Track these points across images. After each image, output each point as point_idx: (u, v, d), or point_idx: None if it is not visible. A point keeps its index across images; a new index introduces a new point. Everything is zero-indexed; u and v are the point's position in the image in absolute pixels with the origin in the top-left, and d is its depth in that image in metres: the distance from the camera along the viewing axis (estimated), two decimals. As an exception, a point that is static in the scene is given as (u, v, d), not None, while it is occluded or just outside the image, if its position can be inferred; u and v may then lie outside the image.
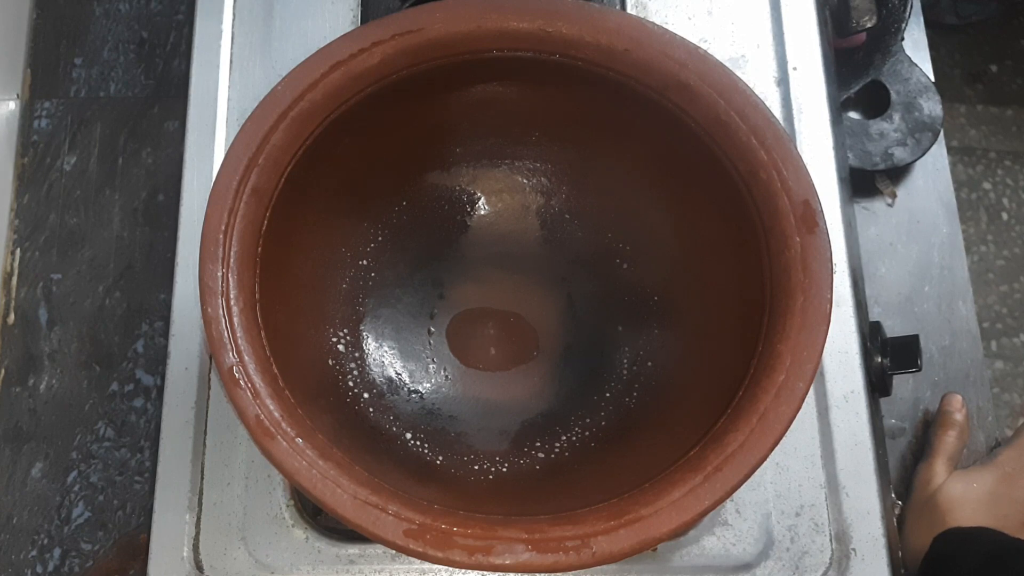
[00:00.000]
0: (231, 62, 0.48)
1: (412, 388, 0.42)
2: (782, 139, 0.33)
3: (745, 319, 0.34)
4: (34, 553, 0.50)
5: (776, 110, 0.47)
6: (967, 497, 0.46)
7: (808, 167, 0.33)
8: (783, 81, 0.47)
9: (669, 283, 0.41)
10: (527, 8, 0.35)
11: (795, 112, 0.46)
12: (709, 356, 0.38)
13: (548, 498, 0.36)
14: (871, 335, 0.45)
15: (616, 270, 0.42)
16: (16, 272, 0.54)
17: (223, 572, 0.41)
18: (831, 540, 0.41)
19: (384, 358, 0.42)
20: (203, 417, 0.43)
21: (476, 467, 0.38)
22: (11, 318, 0.54)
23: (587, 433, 0.40)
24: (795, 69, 0.47)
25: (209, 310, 0.32)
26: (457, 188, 0.43)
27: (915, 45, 0.58)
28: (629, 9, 0.49)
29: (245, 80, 0.48)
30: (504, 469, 0.39)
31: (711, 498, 0.30)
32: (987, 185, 1.15)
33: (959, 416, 0.50)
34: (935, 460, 0.49)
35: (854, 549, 0.41)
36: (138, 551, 0.49)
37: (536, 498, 0.37)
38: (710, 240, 0.38)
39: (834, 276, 0.32)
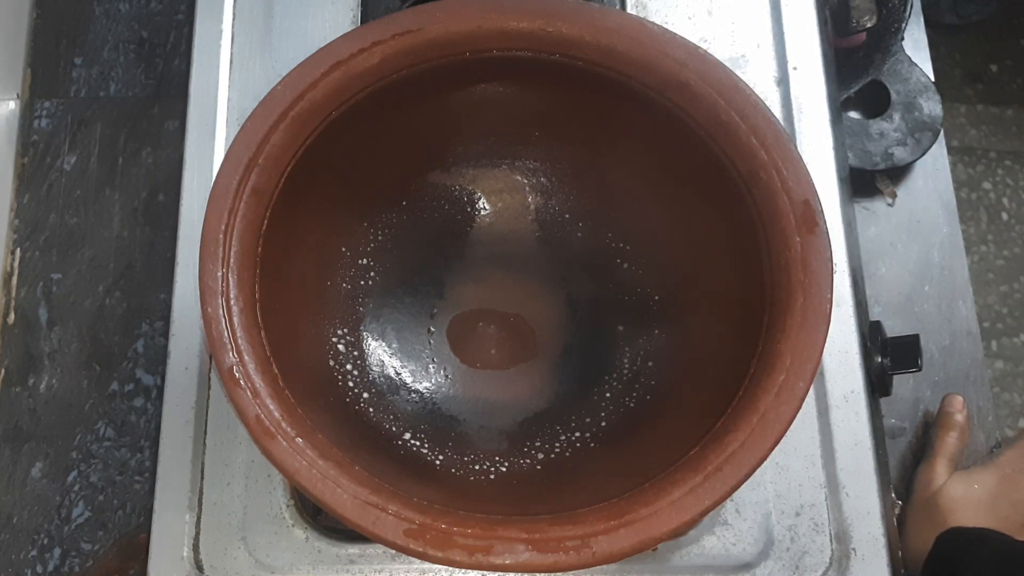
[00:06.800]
0: (231, 62, 0.48)
1: (412, 388, 0.42)
2: (782, 139, 0.33)
3: (745, 319, 0.34)
4: (34, 553, 0.50)
5: (776, 110, 0.47)
6: (968, 498, 0.46)
7: (808, 167, 0.33)
8: (783, 81, 0.47)
9: (669, 283, 0.41)
10: (527, 8, 0.35)
11: (795, 112, 0.46)
12: (709, 356, 0.38)
13: (548, 498, 0.36)
14: (871, 335, 0.45)
15: (616, 270, 0.42)
16: (16, 272, 0.54)
17: (223, 572, 0.41)
18: (831, 540, 0.41)
19: (384, 358, 0.42)
20: (203, 417, 0.43)
21: (476, 467, 0.38)
22: (11, 318, 0.54)
23: (587, 433, 0.40)
24: (795, 69, 0.47)
25: (209, 310, 0.32)
26: (457, 188, 0.43)
27: (915, 45, 0.58)
28: (629, 9, 0.49)
29: (245, 80, 0.48)
30: (504, 469, 0.39)
31: (711, 498, 0.30)
32: (987, 185, 1.15)
33: (960, 417, 0.50)
34: (936, 461, 0.49)
35: (854, 549, 0.41)
36: (138, 551, 0.49)
37: (536, 498, 0.37)
38: (710, 240, 0.38)
39: (834, 276, 0.32)
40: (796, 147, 0.34)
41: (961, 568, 0.42)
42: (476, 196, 0.44)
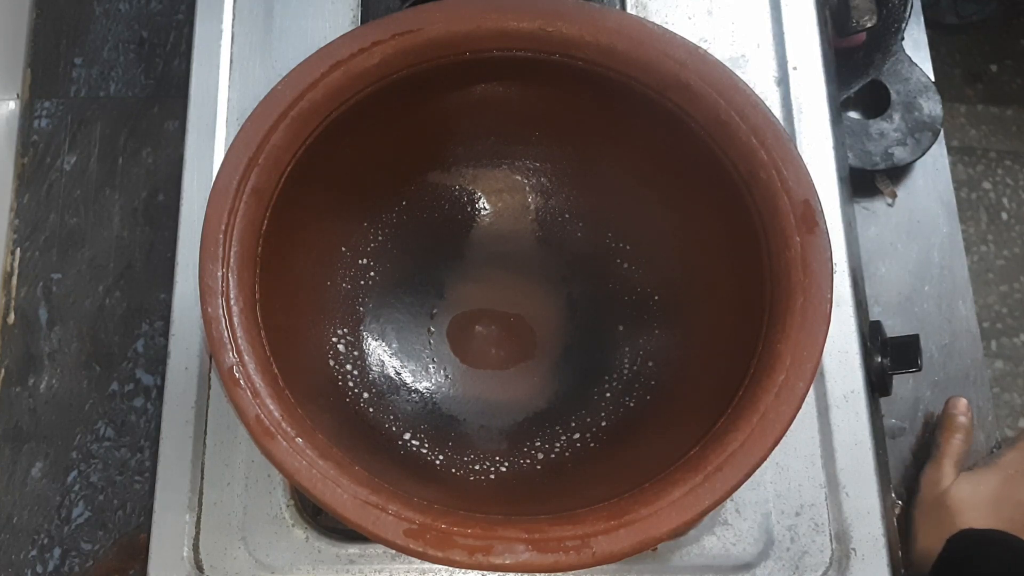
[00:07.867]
0: (231, 62, 0.48)
1: (412, 388, 0.42)
2: (782, 139, 0.33)
3: (745, 319, 0.34)
4: (34, 553, 0.50)
5: (776, 110, 0.47)
6: (975, 498, 0.47)
7: (808, 167, 0.33)
8: (783, 81, 0.47)
9: (669, 283, 0.41)
10: (527, 8, 0.35)
11: (795, 112, 0.46)
12: (709, 356, 0.38)
13: (548, 498, 0.36)
14: (871, 335, 0.45)
15: (616, 270, 0.42)
16: (16, 272, 0.54)
17: (223, 572, 0.41)
18: (831, 540, 0.41)
19: (384, 358, 0.42)
20: (203, 417, 0.43)
21: (476, 467, 0.38)
22: (11, 318, 0.54)
23: (587, 433, 0.40)
24: (795, 69, 0.47)
25: (209, 310, 0.32)
26: (457, 188, 0.43)
27: (915, 45, 0.58)
28: (629, 9, 0.49)
29: (245, 80, 0.48)
30: (504, 469, 0.39)
31: (711, 498, 0.30)
32: (987, 185, 1.15)
33: (964, 420, 0.50)
34: (943, 461, 0.49)
35: (854, 549, 0.41)
36: (138, 551, 0.49)
37: (536, 498, 0.37)
38: (710, 240, 0.38)
39: (834, 276, 0.32)
40: (796, 147, 0.34)
41: (970, 569, 0.42)
42: (476, 196, 0.44)
